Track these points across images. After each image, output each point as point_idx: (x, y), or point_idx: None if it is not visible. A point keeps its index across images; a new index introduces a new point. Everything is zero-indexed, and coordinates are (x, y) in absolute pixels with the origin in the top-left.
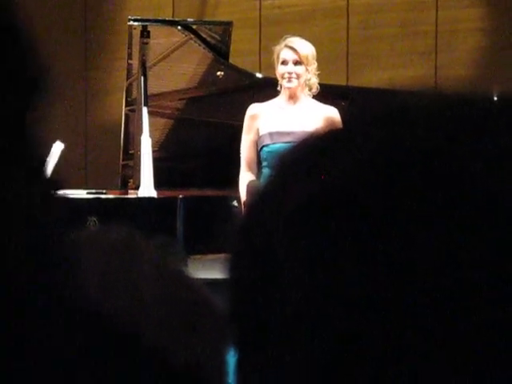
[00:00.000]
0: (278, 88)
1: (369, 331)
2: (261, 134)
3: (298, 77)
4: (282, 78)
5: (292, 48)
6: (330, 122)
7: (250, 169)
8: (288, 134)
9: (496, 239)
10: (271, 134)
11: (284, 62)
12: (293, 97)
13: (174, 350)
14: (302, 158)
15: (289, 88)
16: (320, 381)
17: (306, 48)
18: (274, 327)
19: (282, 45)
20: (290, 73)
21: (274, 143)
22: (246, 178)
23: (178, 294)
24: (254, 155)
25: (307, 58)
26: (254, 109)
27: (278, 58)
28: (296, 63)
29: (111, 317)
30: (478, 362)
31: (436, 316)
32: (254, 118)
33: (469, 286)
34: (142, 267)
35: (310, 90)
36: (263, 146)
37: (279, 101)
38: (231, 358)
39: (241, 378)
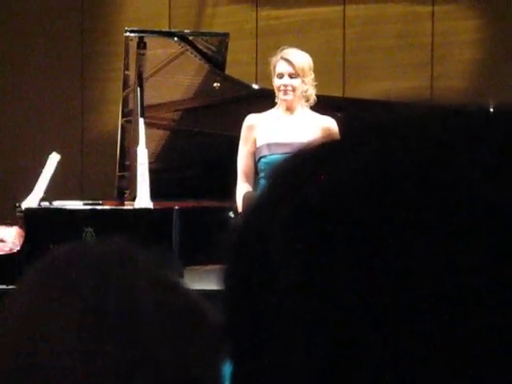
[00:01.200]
0: (276, 99)
1: (366, 336)
2: (258, 145)
3: (294, 89)
4: (278, 90)
5: (287, 60)
6: (328, 133)
7: (247, 179)
8: (285, 145)
9: (494, 244)
10: (269, 145)
11: (280, 75)
12: (289, 108)
13: (171, 360)
14: (298, 167)
15: (285, 100)
16: None
17: (302, 60)
18: (271, 334)
19: (278, 56)
20: (285, 85)
21: (271, 154)
22: (242, 189)
23: (175, 305)
24: (251, 166)
25: (303, 70)
26: (250, 119)
27: (274, 69)
28: (292, 76)
29: (109, 327)
30: (477, 366)
31: (434, 321)
32: (250, 128)
33: (467, 292)
34: (138, 278)
35: (307, 101)
36: (261, 157)
37: (276, 112)
38: (227, 369)
39: None
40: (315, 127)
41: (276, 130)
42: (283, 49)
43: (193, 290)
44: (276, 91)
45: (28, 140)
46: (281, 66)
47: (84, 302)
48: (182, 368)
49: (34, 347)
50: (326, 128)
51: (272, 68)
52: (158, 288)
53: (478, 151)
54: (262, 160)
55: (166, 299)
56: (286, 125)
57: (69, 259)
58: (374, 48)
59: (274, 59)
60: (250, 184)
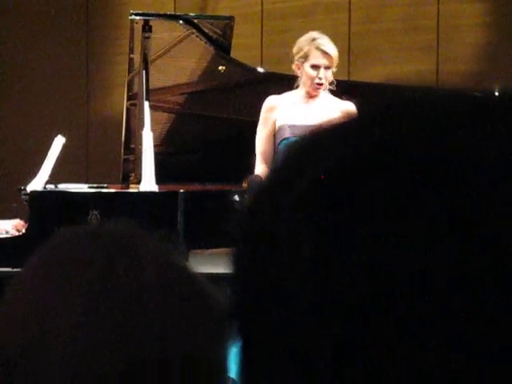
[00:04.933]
0: (298, 83)
1: (378, 319)
2: (279, 127)
3: (327, 81)
4: (312, 80)
5: (324, 52)
6: (347, 116)
7: (265, 162)
8: (307, 127)
9: (498, 230)
10: (291, 127)
11: (315, 67)
12: (314, 95)
13: (176, 342)
14: (313, 144)
15: (317, 91)
16: (331, 370)
17: (336, 51)
18: (281, 310)
19: (312, 45)
20: (321, 79)
21: (294, 136)
22: (261, 170)
23: (180, 288)
24: (270, 148)
25: (336, 61)
26: (271, 101)
27: (305, 56)
28: (326, 68)
29: (114, 309)
30: (486, 350)
31: (441, 307)
32: (271, 109)
33: (473, 276)
34: (143, 261)
35: (330, 84)
36: (282, 140)
37: (296, 94)
38: (233, 352)
39: (244, 371)
40: (335, 111)
41: (297, 112)
42: (315, 38)
43: (198, 273)
44: (306, 79)
45: (33, 123)
46: (318, 58)
47: (89, 283)
48: (186, 349)
49: (41, 327)
50: (345, 111)
51: (301, 54)
52: (163, 270)
53: (489, 132)
54: (284, 142)
55: (171, 282)
56: (308, 108)
57: (74, 241)
58: (380, 31)
59: (305, 45)
60: (268, 166)
